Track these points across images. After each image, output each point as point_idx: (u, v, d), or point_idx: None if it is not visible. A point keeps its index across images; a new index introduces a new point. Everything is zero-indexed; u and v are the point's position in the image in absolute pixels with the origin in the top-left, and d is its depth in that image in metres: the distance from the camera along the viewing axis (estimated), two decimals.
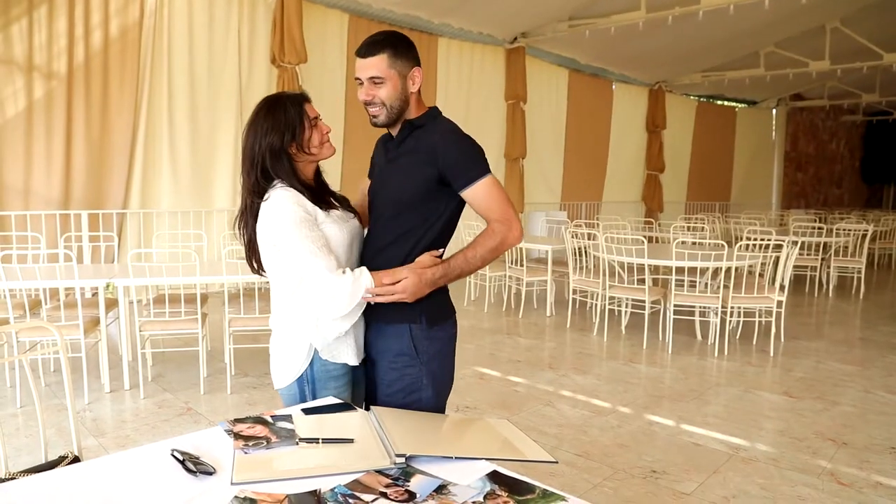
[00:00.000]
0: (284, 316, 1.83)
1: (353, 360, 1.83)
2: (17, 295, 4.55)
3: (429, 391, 1.84)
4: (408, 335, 1.82)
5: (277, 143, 1.74)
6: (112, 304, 4.50)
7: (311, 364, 1.79)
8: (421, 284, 1.73)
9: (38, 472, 1.52)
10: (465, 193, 1.79)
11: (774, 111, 17.36)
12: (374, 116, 1.83)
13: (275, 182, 1.77)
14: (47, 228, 6.13)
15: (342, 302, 1.69)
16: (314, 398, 1.80)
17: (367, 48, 1.78)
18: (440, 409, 1.90)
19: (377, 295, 1.72)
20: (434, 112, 1.90)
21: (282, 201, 1.72)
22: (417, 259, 1.79)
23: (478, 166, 1.78)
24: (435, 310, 1.85)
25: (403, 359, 1.82)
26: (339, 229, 1.79)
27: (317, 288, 1.69)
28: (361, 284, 1.71)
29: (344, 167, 7.82)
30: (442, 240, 1.86)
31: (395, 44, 1.79)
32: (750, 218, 9.94)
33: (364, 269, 1.75)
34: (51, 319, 4.03)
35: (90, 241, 5.77)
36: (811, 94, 16.65)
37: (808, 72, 12.11)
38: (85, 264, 5.49)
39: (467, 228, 7.32)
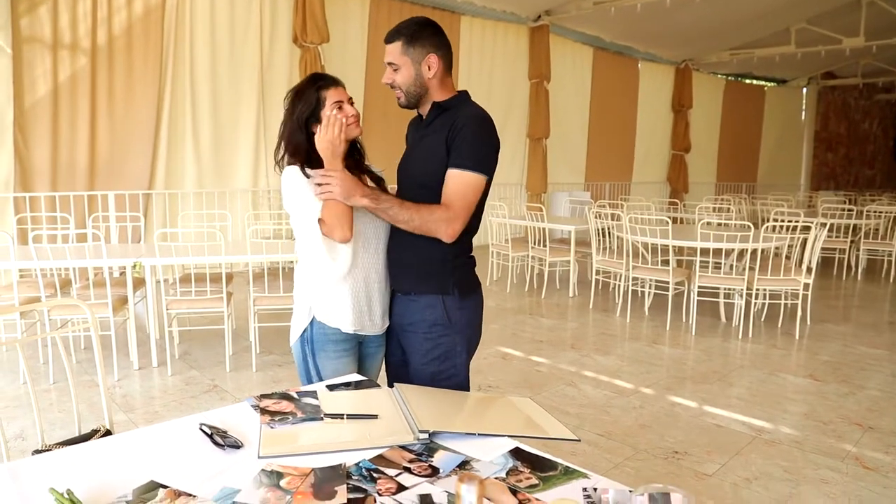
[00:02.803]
0: (298, 276, 2.00)
1: (349, 327, 1.91)
2: (48, 274, 4.65)
3: (463, 355, 1.95)
4: (441, 306, 1.90)
5: (295, 126, 1.91)
6: (139, 283, 4.58)
7: (311, 323, 1.93)
8: (351, 186, 1.80)
9: (73, 444, 1.56)
10: (449, 171, 1.82)
11: (805, 90, 16.93)
12: (398, 98, 1.94)
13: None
14: (75, 209, 6.25)
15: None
16: (314, 359, 1.93)
17: (389, 35, 1.89)
18: (468, 369, 2.00)
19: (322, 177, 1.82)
20: (463, 96, 1.94)
21: (288, 173, 1.91)
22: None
23: (476, 160, 1.81)
24: (464, 282, 1.94)
25: (438, 328, 1.91)
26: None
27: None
28: None
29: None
30: (469, 225, 1.88)
31: (412, 32, 1.86)
32: (777, 199, 9.76)
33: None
34: (80, 298, 4.12)
35: (117, 222, 5.86)
36: (844, 73, 16.17)
37: (842, 49, 11.75)
38: (112, 244, 5.59)
39: (489, 207, 7.30)
